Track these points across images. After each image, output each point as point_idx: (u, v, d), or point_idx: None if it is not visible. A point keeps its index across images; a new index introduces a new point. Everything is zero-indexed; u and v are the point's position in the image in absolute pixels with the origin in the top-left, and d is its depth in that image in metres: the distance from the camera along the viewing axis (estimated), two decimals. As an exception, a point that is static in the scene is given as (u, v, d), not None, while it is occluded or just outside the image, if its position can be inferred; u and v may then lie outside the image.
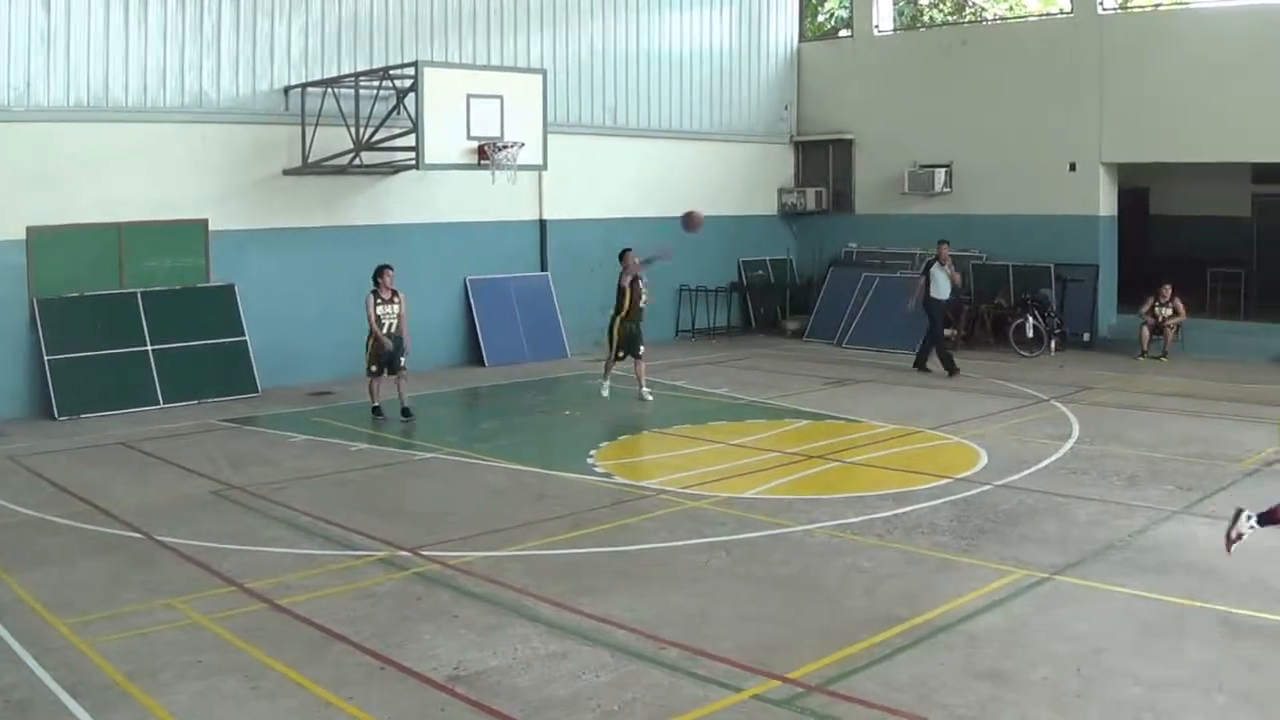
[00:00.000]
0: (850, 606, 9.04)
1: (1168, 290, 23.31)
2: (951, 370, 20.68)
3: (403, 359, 17.33)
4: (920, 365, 21.20)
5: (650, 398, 18.35)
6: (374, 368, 17.32)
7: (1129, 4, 25.43)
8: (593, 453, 14.80)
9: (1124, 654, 8.03)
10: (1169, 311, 23.19)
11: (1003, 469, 13.57)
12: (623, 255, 18.51)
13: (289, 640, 8.44)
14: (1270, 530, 10.36)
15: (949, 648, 8.14)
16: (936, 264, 21.04)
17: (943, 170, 26.64)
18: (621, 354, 18.45)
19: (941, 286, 20.94)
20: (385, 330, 17.10)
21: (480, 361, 22.31)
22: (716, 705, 7.33)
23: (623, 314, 18.30)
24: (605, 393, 18.55)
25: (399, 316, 17.29)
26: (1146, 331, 23.04)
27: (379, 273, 17.30)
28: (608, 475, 13.71)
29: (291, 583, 9.70)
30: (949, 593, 9.25)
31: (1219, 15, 23.79)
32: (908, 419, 16.76)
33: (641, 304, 18.33)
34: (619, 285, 18.40)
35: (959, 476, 13.26)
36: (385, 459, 14.89)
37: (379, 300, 17.16)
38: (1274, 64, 22.43)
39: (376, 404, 17.35)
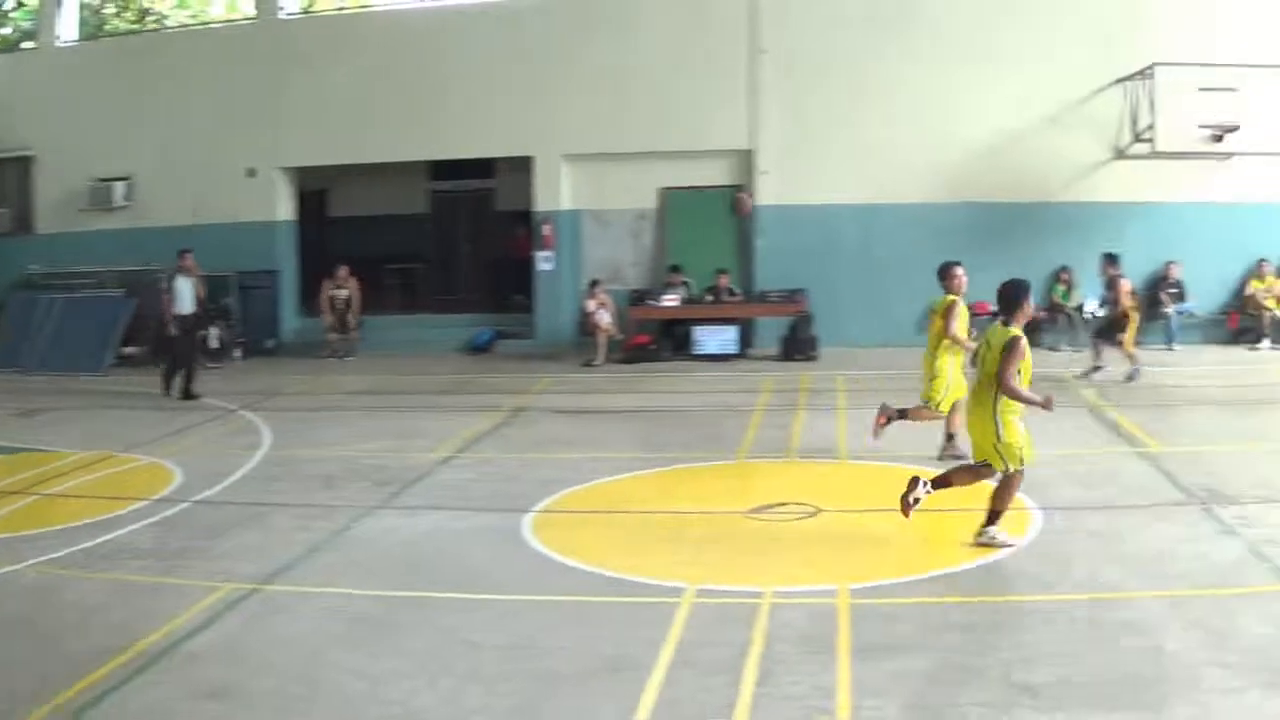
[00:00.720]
0: (67, 646, 8.51)
1: (343, 272, 24.04)
2: (187, 395, 19.40)
3: None
4: (187, 393, 19.44)
5: None
6: None
7: (312, 8, 25.97)
8: None
9: (342, 652, 8.22)
10: (345, 293, 23.96)
11: (200, 484, 13.38)
12: None
13: None
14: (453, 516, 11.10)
15: (172, 671, 7.97)
16: (180, 275, 19.75)
17: (122, 183, 26.00)
18: None
19: (185, 300, 19.71)
20: None
21: None
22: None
23: None
24: None
25: None
26: (332, 333, 23.76)
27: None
28: None
29: None
30: (163, 616, 8.98)
31: (397, 18, 25.10)
32: (102, 444, 16.05)
33: None
34: None
35: (157, 497, 12.92)
36: None
37: None
38: (449, 65, 23.93)
39: None
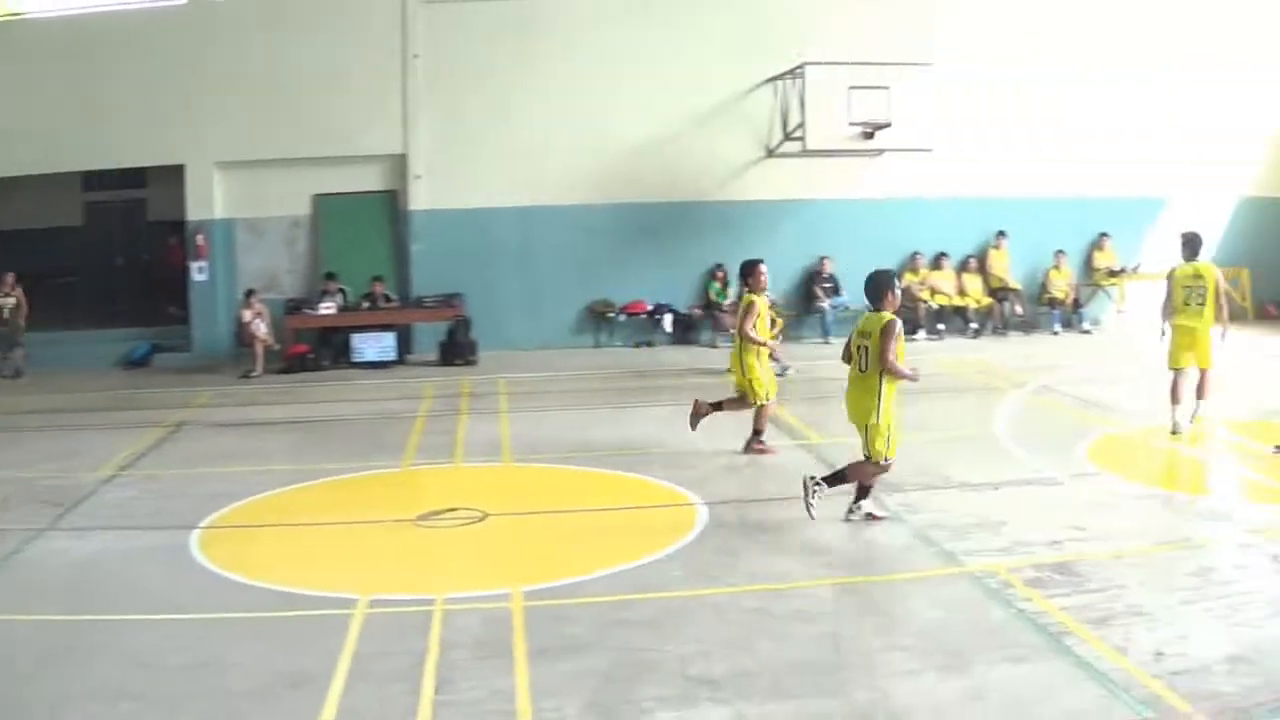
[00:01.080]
0: None
1: (9, 279, 23.24)
2: None
3: None
4: None
5: None
6: None
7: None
8: None
9: (21, 679, 8.05)
10: (13, 301, 23.20)
11: None
12: None
13: None
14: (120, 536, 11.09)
15: None
16: None
17: None
18: None
19: None
20: None
21: None
22: None
23: None
24: None
25: None
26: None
27: None
28: None
29: None
30: None
31: (47, 26, 24.23)
32: None
33: None
34: None
35: None
36: None
37: None
38: (101, 72, 23.53)
39: None
